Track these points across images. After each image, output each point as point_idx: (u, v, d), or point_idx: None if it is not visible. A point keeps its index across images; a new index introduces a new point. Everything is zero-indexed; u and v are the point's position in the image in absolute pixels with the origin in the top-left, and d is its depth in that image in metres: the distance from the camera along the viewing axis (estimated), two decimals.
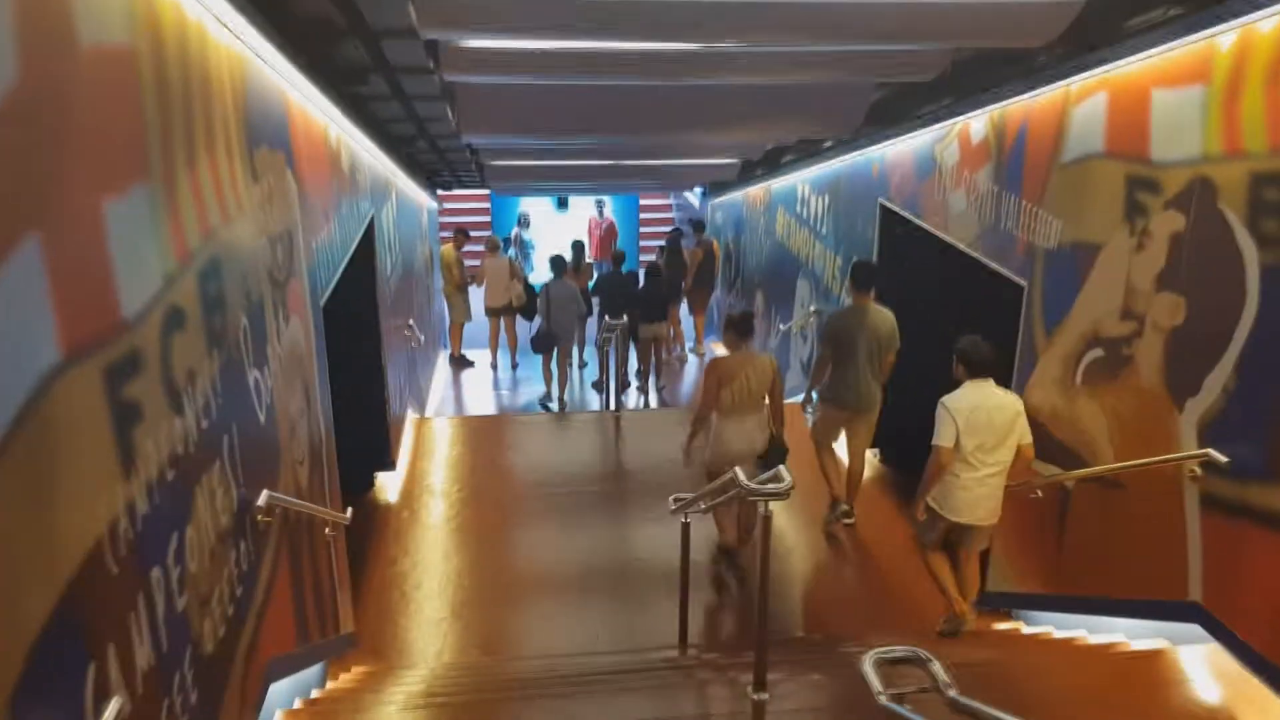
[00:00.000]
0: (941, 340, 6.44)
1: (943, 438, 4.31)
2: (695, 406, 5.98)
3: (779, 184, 9.27)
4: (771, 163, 9.00)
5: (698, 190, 13.84)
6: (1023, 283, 4.54)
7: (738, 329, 5.50)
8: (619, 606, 5.34)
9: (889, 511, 6.30)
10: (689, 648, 4.74)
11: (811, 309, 7.93)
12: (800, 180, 8.45)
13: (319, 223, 4.50)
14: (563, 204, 15.39)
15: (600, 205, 14.94)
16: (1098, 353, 3.88)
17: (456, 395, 10.66)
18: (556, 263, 9.44)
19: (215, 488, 2.60)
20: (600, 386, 10.28)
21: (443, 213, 13.78)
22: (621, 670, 4.21)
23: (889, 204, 6.31)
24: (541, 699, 3.83)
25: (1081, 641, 3.95)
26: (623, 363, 8.41)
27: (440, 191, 13.01)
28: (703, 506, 4.38)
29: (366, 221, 5.88)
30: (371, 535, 5.94)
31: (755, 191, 10.31)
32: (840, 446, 6.22)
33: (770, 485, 3.04)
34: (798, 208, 8.48)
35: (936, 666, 2.32)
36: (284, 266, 3.69)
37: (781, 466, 3.13)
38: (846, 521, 6.10)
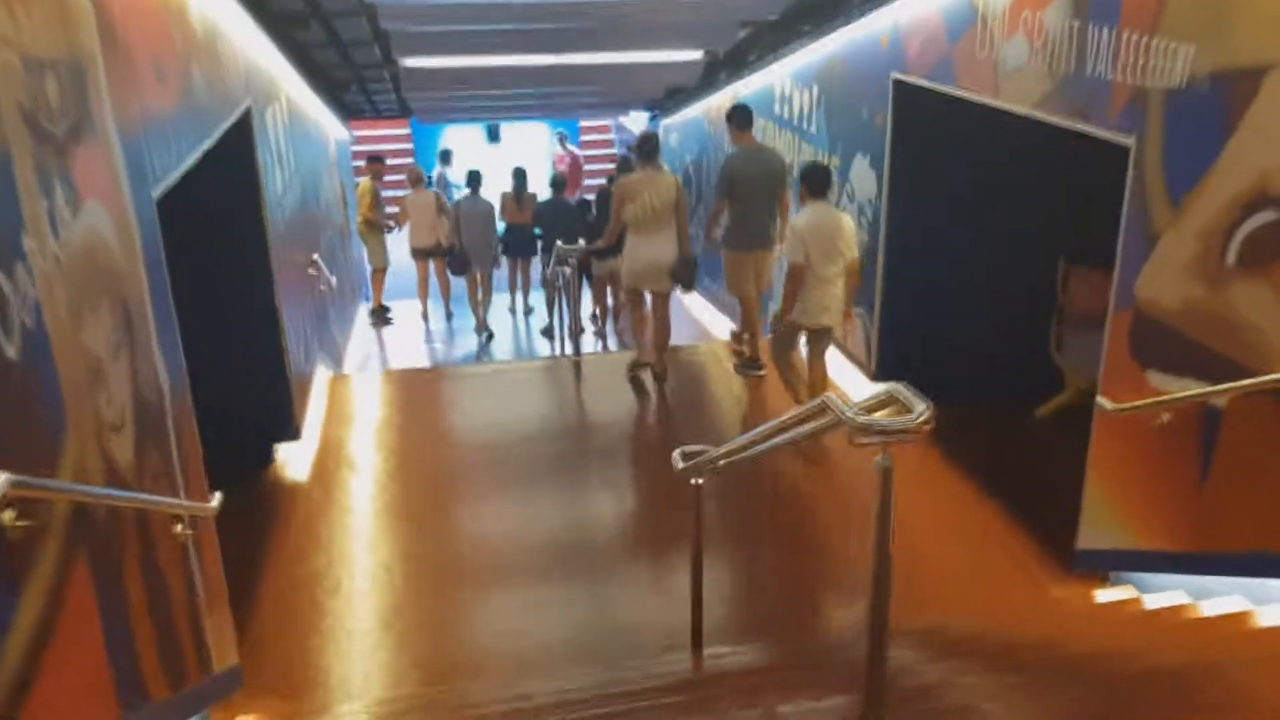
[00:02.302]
0: (992, 242, 5.31)
1: (797, 254, 4.98)
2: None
3: (748, 88, 7.96)
4: (738, 61, 7.69)
5: (644, 114, 12.44)
6: (1126, 142, 3.35)
7: (640, 150, 5.94)
8: (599, 599, 4.10)
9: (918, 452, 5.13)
10: (705, 652, 3.51)
11: None
12: (778, 76, 7.16)
13: (147, 81, 3.06)
14: (494, 135, 13.81)
15: (562, 138, 13.45)
16: (1268, 216, 2.75)
17: (381, 350, 9.21)
18: (472, 177, 8.76)
19: None
20: (550, 333, 8.99)
21: (357, 145, 12.10)
22: (621, 706, 2.96)
23: (906, 78, 5.07)
24: None
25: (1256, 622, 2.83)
26: (575, 304, 7.09)
27: (354, 122, 11.38)
28: (718, 463, 3.11)
29: (240, 112, 4.41)
30: (270, 525, 4.56)
31: (719, 102, 8.97)
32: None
33: (887, 418, 1.79)
34: (776, 108, 7.20)
35: None
36: (64, 114, 2.28)
37: (903, 387, 1.88)
38: (755, 373, 6.39)
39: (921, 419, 1.76)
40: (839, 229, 5.00)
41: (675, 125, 11.21)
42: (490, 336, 9.42)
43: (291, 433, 5.17)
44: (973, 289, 5.38)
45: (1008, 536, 4.29)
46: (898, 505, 4.71)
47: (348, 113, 10.22)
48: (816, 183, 5.03)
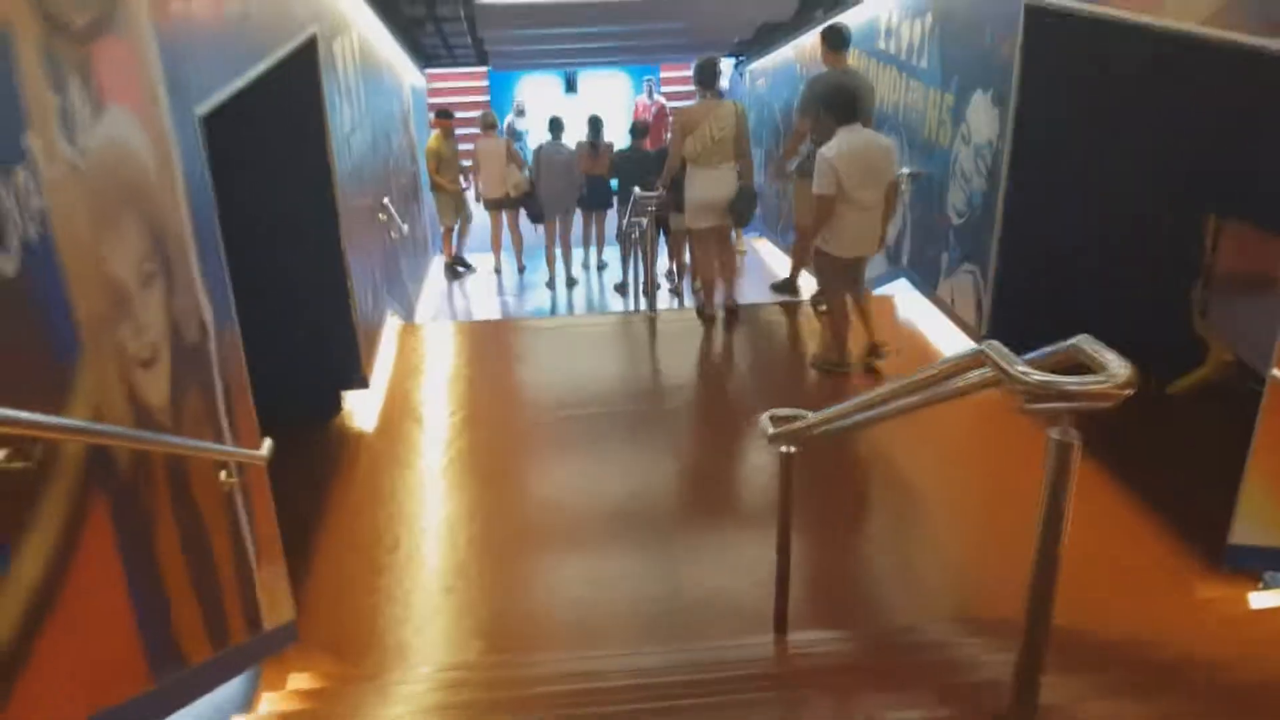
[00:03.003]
0: (1130, 191, 4.55)
1: (825, 186, 4.76)
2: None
3: (849, 23, 7.37)
4: None
5: (729, 61, 11.87)
6: None
7: (699, 77, 5.61)
8: (674, 570, 3.77)
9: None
10: (790, 639, 3.16)
11: (905, 171, 6.16)
12: (884, 7, 6.57)
13: None
14: (571, 86, 13.42)
15: (649, 85, 13.06)
16: None
17: (453, 302, 9.02)
18: (554, 123, 8.51)
19: None
20: (624, 289, 8.64)
21: (432, 94, 11.86)
22: (698, 696, 2.62)
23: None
24: None
25: None
26: (651, 260, 6.71)
27: (431, 72, 11.13)
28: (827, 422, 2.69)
29: (304, 38, 4.12)
30: (331, 476, 4.36)
31: (813, 43, 8.37)
32: None
33: (1072, 379, 1.38)
34: (880, 43, 6.63)
35: None
36: (84, 2, 2.00)
37: (1090, 341, 1.47)
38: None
39: (1118, 381, 1.34)
40: (875, 151, 4.82)
41: (763, 71, 10.62)
42: (573, 284, 9.24)
43: (358, 380, 4.95)
44: (1104, 245, 4.82)
45: (1141, 526, 3.78)
46: (1012, 485, 4.20)
47: (424, 59, 9.94)
48: (844, 108, 4.84)
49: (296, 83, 4.17)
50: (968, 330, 5.43)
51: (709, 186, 5.56)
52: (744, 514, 4.15)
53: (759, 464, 4.51)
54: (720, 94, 5.77)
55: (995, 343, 1.49)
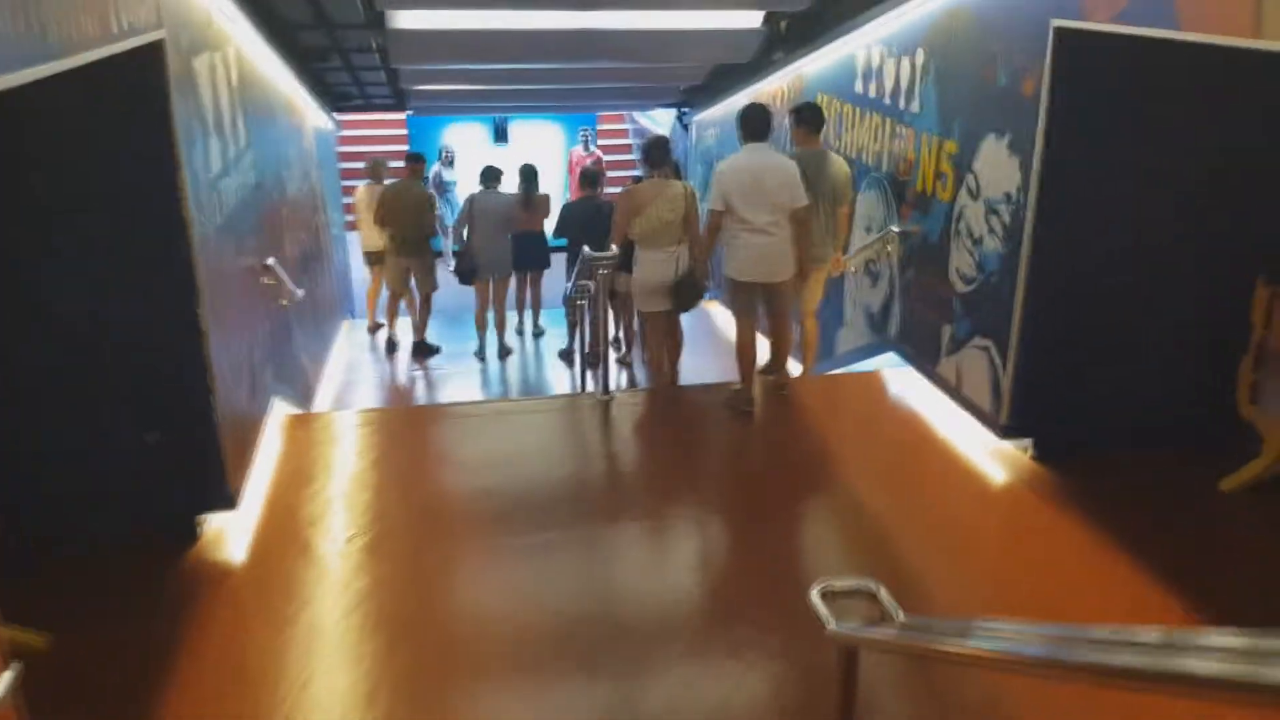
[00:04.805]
0: (1174, 254, 3.91)
1: (711, 201, 4.75)
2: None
3: (817, 66, 6.61)
4: (805, 33, 6.35)
5: (670, 111, 11.11)
6: None
7: (649, 156, 5.47)
8: None
9: (1047, 527, 3.70)
10: None
11: (894, 229, 5.32)
12: (860, 45, 5.80)
13: None
14: (501, 135, 12.47)
15: (585, 136, 12.34)
16: None
17: (356, 380, 7.82)
18: (489, 173, 7.50)
19: None
20: (569, 357, 7.63)
21: (345, 142, 10.74)
22: None
23: (1079, 25, 3.70)
24: None
25: None
26: (603, 333, 5.73)
27: (343, 118, 10.04)
28: None
29: (137, 43, 3.01)
30: (173, 644, 3.12)
31: (773, 89, 7.59)
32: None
33: None
34: (859, 86, 5.84)
35: None
36: None
37: None
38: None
39: None
40: (770, 172, 4.65)
41: (711, 122, 9.84)
42: (507, 353, 8.20)
43: (221, 499, 3.76)
44: (1145, 318, 4.09)
45: None
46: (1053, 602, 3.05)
47: (334, 99, 8.85)
48: (753, 124, 4.77)
49: (131, 103, 3.07)
50: (981, 417, 4.55)
51: (657, 269, 5.31)
52: (751, 688, 3.07)
53: (768, 608, 3.39)
54: (669, 174, 5.49)
55: None
